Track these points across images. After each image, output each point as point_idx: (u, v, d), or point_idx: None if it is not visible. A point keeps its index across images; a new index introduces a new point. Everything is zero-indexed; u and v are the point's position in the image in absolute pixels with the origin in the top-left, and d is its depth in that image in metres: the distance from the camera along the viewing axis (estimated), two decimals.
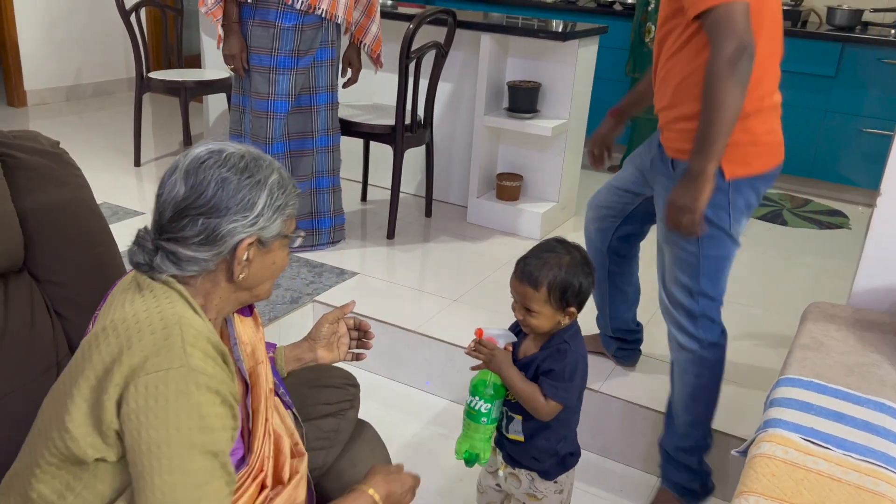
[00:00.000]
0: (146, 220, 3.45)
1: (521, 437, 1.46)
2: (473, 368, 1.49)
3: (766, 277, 3.09)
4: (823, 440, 1.27)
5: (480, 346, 1.42)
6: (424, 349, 2.43)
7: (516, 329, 1.52)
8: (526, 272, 1.38)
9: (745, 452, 1.34)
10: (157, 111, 5.08)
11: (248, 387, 1.10)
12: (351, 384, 1.35)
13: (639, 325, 2.32)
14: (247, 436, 1.09)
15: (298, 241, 1.12)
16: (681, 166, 1.71)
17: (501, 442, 1.52)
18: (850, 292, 1.89)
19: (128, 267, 1.10)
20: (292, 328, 2.52)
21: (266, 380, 1.14)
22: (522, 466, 1.50)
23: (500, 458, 1.55)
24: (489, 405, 1.41)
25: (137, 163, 3.92)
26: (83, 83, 5.29)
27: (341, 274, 2.79)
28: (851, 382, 1.45)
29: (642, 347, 2.35)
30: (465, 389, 2.38)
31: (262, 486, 1.09)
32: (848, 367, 1.51)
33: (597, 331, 2.33)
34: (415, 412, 2.35)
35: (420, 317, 2.54)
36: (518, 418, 1.46)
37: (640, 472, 2.15)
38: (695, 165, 1.62)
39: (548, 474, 1.49)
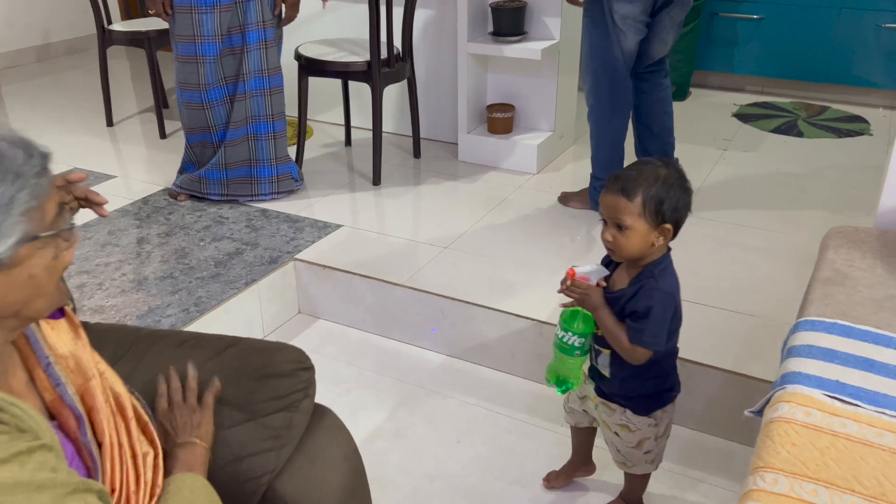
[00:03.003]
0: (120, 184, 3.26)
1: (606, 373, 1.45)
2: (563, 305, 1.45)
3: (785, 195, 2.87)
4: (851, 395, 1.09)
5: (574, 287, 1.38)
6: (416, 303, 2.27)
7: (606, 261, 1.45)
8: (619, 182, 1.30)
9: (760, 412, 1.17)
10: (132, 66, 4.84)
11: (80, 418, 0.93)
12: (303, 367, 1.18)
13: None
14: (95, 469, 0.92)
15: (71, 232, 0.88)
16: None
17: (592, 373, 1.52)
18: (876, 212, 1.68)
19: None
20: (273, 291, 2.36)
21: (107, 396, 0.97)
22: (613, 401, 1.48)
23: (591, 387, 1.53)
24: (582, 339, 1.40)
25: (110, 123, 3.72)
26: (54, 41, 5.04)
27: (324, 227, 2.61)
28: (882, 320, 1.27)
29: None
30: (461, 343, 2.24)
31: None
32: (877, 303, 1.32)
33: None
34: (410, 371, 2.21)
35: (411, 268, 2.36)
36: (606, 353, 1.43)
37: (693, 431, 1.95)
38: None
39: (641, 410, 1.46)
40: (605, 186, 1.33)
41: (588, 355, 1.46)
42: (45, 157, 0.85)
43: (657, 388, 1.46)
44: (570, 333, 1.40)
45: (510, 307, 2.14)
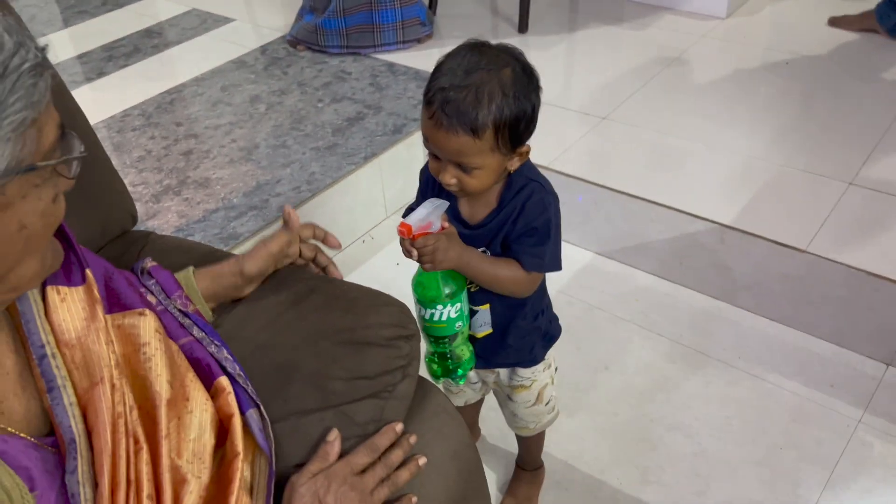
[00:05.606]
0: (239, 29, 2.94)
1: (489, 330, 1.06)
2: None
3: None
4: None
5: (421, 248, 0.90)
6: (561, 190, 1.86)
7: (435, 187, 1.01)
8: (455, 113, 0.85)
9: None
10: None
11: (73, 442, 0.62)
12: (404, 335, 0.85)
13: None
14: None
15: (75, 169, 0.60)
16: None
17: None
18: None
19: None
20: (397, 165, 2.03)
21: (122, 410, 0.65)
22: (497, 365, 1.14)
23: None
24: (458, 304, 0.97)
25: None
26: None
27: None
28: None
29: None
30: (615, 241, 1.84)
31: None
32: None
33: (867, 7, 2.34)
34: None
35: (558, 145, 1.94)
36: (484, 308, 1.04)
37: (825, 343, 1.56)
38: None
39: (530, 361, 1.14)
40: (428, 112, 0.87)
41: (469, 322, 1.03)
42: (41, 49, 0.57)
43: (547, 323, 1.12)
44: (439, 307, 0.95)
45: (682, 203, 1.70)
